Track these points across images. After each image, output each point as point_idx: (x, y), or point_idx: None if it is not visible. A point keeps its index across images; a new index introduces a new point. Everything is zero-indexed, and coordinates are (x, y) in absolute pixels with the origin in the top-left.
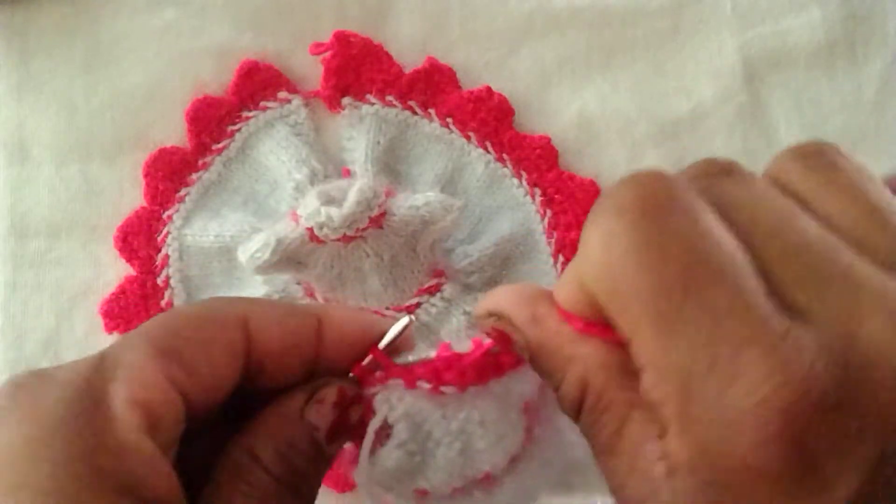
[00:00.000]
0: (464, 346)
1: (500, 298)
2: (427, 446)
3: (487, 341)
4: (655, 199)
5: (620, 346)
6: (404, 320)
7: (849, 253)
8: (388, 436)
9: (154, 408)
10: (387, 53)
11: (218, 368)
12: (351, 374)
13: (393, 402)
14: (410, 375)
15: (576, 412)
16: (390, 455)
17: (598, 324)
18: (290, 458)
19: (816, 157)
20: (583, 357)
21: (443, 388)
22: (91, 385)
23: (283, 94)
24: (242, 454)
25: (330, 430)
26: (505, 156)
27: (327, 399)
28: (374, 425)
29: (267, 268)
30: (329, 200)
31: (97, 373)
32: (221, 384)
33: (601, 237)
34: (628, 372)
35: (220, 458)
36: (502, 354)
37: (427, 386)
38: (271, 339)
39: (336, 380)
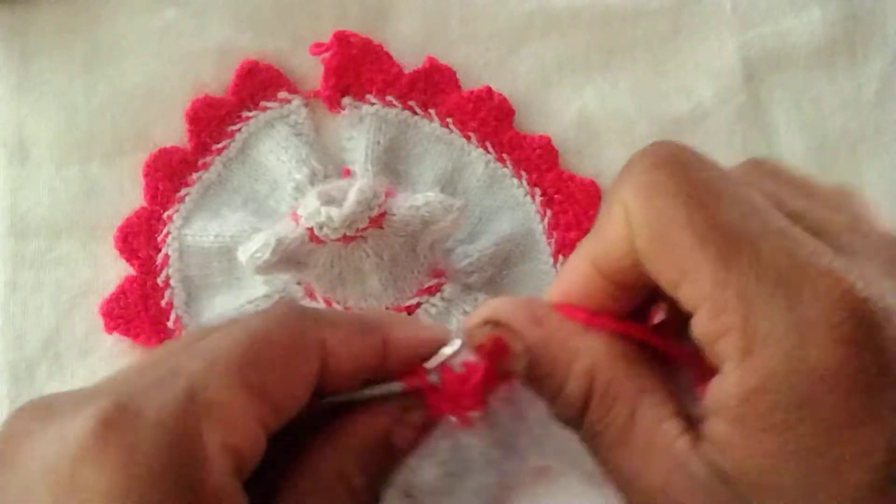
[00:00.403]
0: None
1: (496, 306)
2: (463, 470)
3: (478, 362)
4: (685, 152)
5: (625, 336)
6: (456, 344)
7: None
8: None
9: (244, 450)
10: (387, 53)
11: (298, 399)
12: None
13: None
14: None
15: (580, 411)
16: (429, 470)
17: (603, 314)
18: (377, 484)
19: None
20: (589, 349)
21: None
22: (186, 428)
23: (283, 94)
24: (332, 476)
25: (407, 449)
26: (505, 156)
27: (414, 423)
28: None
29: (267, 268)
30: (329, 200)
31: (190, 414)
32: (296, 410)
33: (640, 190)
34: (635, 360)
35: (305, 477)
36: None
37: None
38: (343, 361)
39: (416, 399)
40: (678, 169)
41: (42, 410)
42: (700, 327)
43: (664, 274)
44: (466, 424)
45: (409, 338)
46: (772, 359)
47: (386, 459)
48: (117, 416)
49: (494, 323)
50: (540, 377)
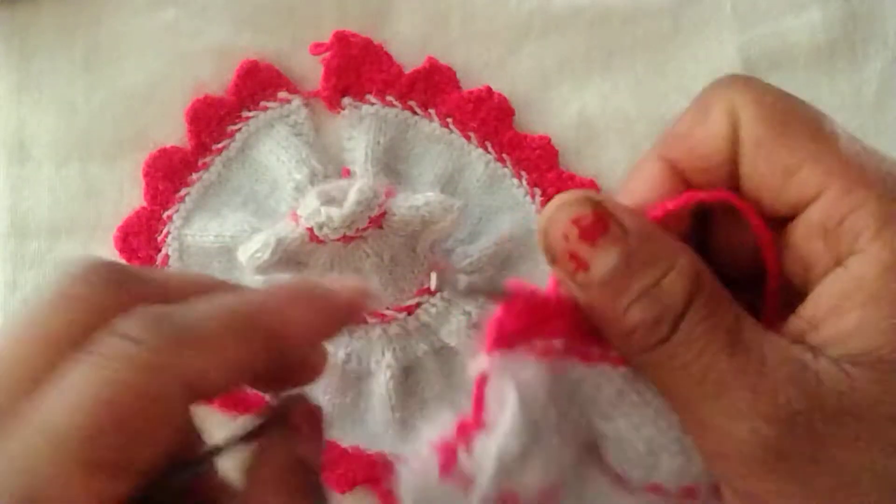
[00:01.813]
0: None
1: (583, 193)
2: (540, 434)
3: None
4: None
5: None
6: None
7: None
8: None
9: None
10: (387, 53)
11: (162, 445)
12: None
13: (512, 373)
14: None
15: (682, 308)
16: (493, 445)
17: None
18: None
19: None
20: (689, 250)
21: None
22: None
23: (283, 94)
24: None
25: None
26: (505, 156)
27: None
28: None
29: (267, 268)
30: (329, 200)
31: None
32: (169, 445)
33: (750, 89)
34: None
35: None
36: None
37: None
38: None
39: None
40: (773, 87)
41: None
42: (826, 208)
43: (781, 161)
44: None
45: (306, 322)
46: None
47: (305, 477)
48: None
49: (592, 203)
50: (638, 267)
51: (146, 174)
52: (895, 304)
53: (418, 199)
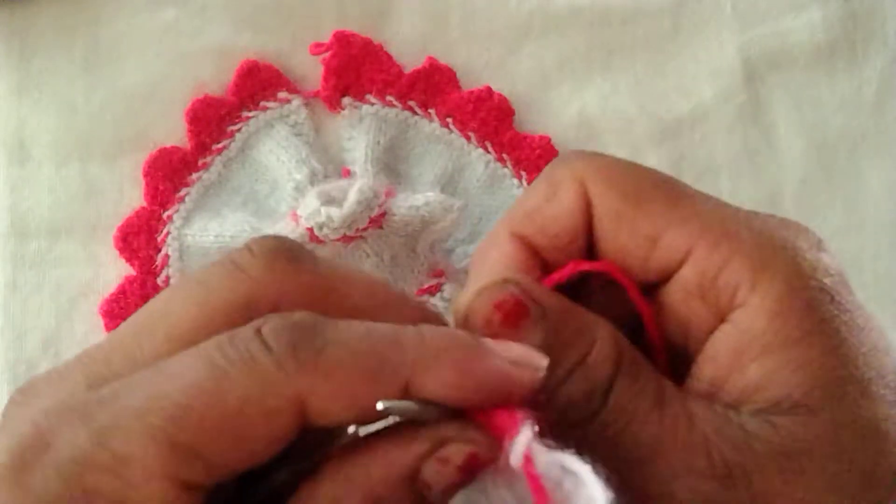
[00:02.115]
0: None
1: (499, 271)
2: None
3: None
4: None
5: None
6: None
7: None
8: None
9: None
10: (387, 53)
11: (251, 458)
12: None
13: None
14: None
15: (607, 381)
16: None
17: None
18: None
19: None
20: (606, 322)
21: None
22: (83, 480)
23: (283, 94)
24: None
25: (445, 491)
26: (505, 156)
27: (453, 460)
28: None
29: None
30: (329, 200)
31: (92, 466)
32: (252, 464)
33: (598, 164)
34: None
35: None
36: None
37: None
38: (334, 415)
39: (463, 432)
40: (618, 159)
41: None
42: (697, 267)
43: (642, 231)
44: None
45: (446, 385)
46: (787, 266)
47: (407, 496)
48: (29, 449)
49: (511, 286)
50: (562, 346)
51: (146, 174)
52: (789, 348)
53: (418, 199)
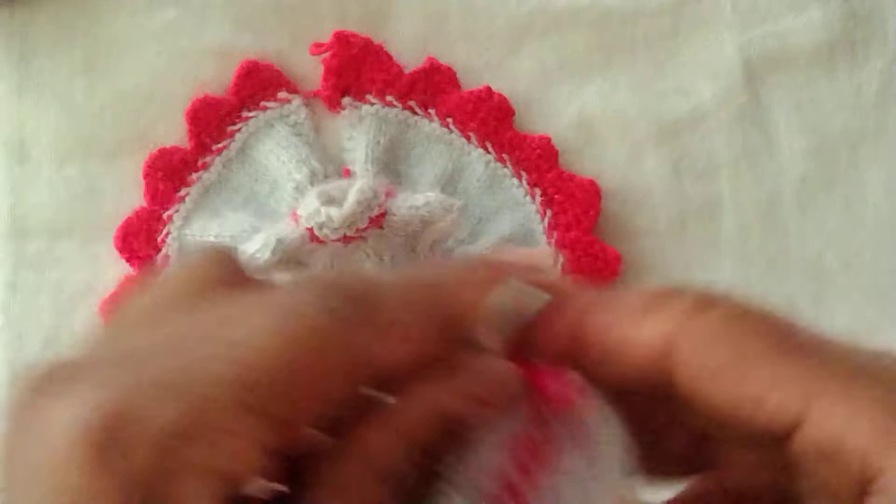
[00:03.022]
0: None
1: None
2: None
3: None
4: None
5: None
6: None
7: None
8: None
9: (236, 475)
10: (387, 53)
11: (323, 411)
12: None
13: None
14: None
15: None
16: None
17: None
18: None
19: None
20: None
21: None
22: (175, 453)
23: (283, 94)
24: (374, 461)
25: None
26: (505, 156)
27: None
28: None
29: (267, 268)
30: (329, 200)
31: (182, 437)
32: (324, 415)
33: (692, 313)
34: None
35: (343, 460)
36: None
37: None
38: (403, 366)
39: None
40: (718, 298)
41: (51, 382)
42: (815, 433)
43: (743, 391)
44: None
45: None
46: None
47: (444, 441)
48: (113, 425)
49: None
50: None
51: (146, 174)
52: None
53: (418, 199)
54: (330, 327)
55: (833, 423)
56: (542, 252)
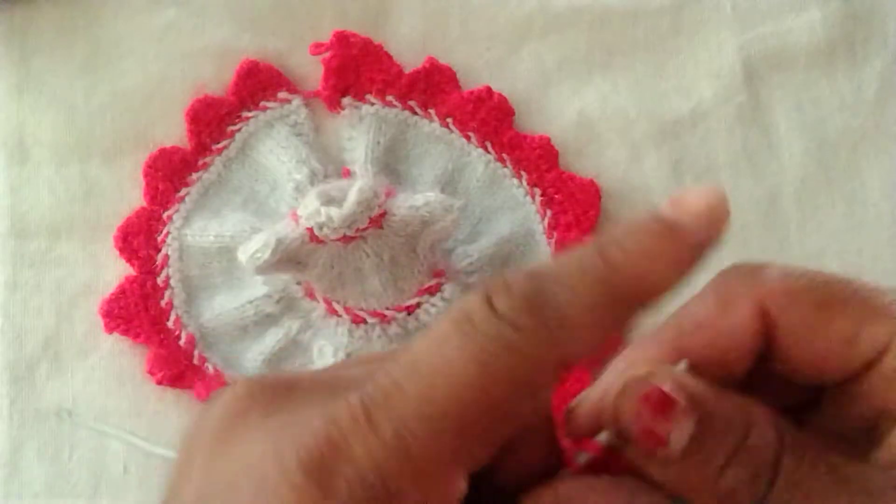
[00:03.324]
0: None
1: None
2: None
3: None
4: None
5: None
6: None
7: None
8: None
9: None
10: (387, 53)
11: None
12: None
13: None
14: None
15: (772, 467)
16: None
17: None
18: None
19: None
20: (758, 403)
21: None
22: (386, 486)
23: (283, 94)
24: None
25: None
26: (505, 156)
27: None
28: None
29: (267, 268)
30: (329, 200)
31: (394, 471)
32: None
33: (781, 282)
34: None
35: None
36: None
37: None
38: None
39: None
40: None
41: (267, 402)
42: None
43: (836, 335)
44: None
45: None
46: None
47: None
48: (327, 454)
49: (658, 377)
50: (719, 432)
51: (146, 174)
52: None
53: (418, 199)
54: (516, 346)
55: None
56: (712, 193)
